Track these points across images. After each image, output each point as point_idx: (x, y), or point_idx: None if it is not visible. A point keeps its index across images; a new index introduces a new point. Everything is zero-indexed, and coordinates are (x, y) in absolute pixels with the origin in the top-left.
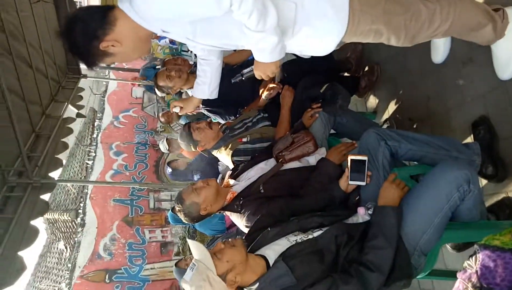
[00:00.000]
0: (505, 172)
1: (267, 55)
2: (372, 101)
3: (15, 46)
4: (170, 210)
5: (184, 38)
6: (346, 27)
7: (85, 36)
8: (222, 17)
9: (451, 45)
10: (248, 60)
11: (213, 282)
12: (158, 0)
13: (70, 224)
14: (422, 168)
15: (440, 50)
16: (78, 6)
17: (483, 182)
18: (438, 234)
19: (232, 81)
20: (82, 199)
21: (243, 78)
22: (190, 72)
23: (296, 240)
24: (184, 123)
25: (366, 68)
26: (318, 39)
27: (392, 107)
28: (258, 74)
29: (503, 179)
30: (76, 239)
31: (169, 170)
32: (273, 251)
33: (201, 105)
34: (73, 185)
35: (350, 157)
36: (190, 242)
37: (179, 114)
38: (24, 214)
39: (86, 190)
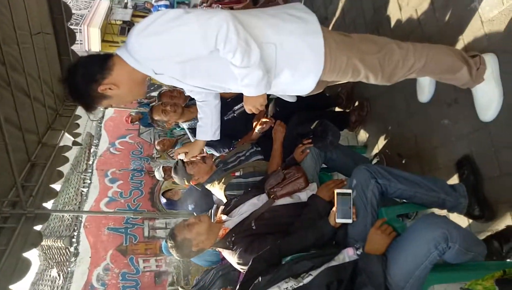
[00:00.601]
0: (491, 213)
1: (253, 89)
2: (363, 135)
3: (14, 77)
4: (164, 242)
5: (173, 80)
6: (323, 65)
7: (85, 80)
8: (209, 57)
9: (436, 86)
10: (240, 93)
11: None
12: (149, 40)
13: (63, 251)
14: (409, 207)
15: (425, 90)
16: (77, 36)
17: (470, 221)
18: (421, 281)
19: (225, 118)
20: (76, 227)
21: (235, 115)
22: (186, 105)
23: (287, 288)
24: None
25: (356, 104)
26: (299, 78)
27: (381, 142)
28: (249, 109)
29: (490, 219)
30: (69, 269)
31: (163, 200)
32: None
33: (191, 135)
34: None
35: (336, 191)
36: None
37: (185, 160)
38: (17, 245)
39: (80, 218)
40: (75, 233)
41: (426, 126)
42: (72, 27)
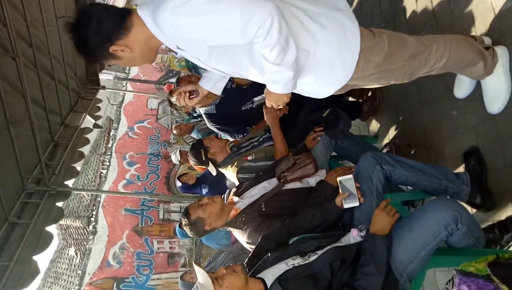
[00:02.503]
0: (492, 202)
1: (280, 87)
2: (374, 125)
3: (40, 59)
4: (178, 226)
5: (196, 59)
6: (350, 77)
7: (98, 36)
8: (241, 46)
9: (452, 79)
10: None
11: None
12: (184, 19)
13: (81, 231)
14: (413, 195)
15: (464, 86)
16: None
17: (473, 211)
18: (424, 264)
19: (243, 108)
20: (94, 207)
21: (254, 106)
22: None
23: (293, 264)
24: (195, 136)
25: (369, 94)
26: (320, 85)
27: (392, 132)
28: (270, 104)
29: (491, 209)
30: (87, 246)
31: (179, 183)
32: (271, 274)
33: (207, 120)
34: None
35: (338, 179)
36: (195, 267)
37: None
38: (40, 220)
39: (99, 199)
40: (94, 213)
41: (436, 116)
42: None
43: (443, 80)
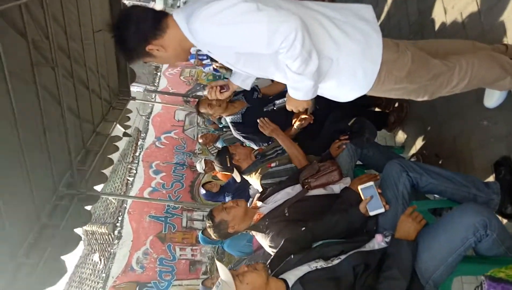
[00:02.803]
0: None
1: (301, 94)
2: (401, 136)
3: (76, 70)
4: (201, 232)
5: (224, 62)
6: (370, 88)
7: (136, 36)
8: (266, 55)
9: (481, 89)
10: (284, 90)
11: None
12: (215, 28)
13: (106, 237)
14: (440, 203)
15: (495, 96)
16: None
17: (504, 221)
18: (450, 270)
19: (264, 109)
20: (120, 213)
21: (275, 108)
22: (230, 101)
23: (316, 267)
24: (220, 146)
25: (396, 105)
26: (342, 91)
27: (419, 143)
28: (290, 108)
29: None
30: (111, 250)
31: (202, 191)
32: (294, 275)
33: (233, 128)
34: (114, 198)
35: (359, 187)
36: (218, 263)
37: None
38: (70, 222)
39: (125, 205)
40: (119, 218)
41: (465, 127)
42: None
43: (472, 90)
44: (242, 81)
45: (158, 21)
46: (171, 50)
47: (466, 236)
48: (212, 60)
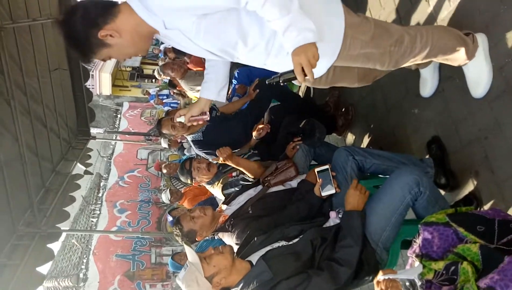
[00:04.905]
0: (455, 181)
1: (301, 36)
2: (350, 137)
3: (33, 107)
4: (171, 258)
5: (184, 39)
6: (339, 51)
7: (85, 22)
8: (228, 14)
9: (407, 79)
10: (241, 109)
11: (200, 282)
12: None
13: None
14: (382, 180)
15: (428, 85)
16: (91, 74)
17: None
18: (396, 230)
19: (267, 82)
20: (85, 256)
21: (281, 82)
22: None
23: (278, 246)
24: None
25: (343, 110)
26: None
27: (366, 140)
28: (299, 66)
29: (455, 187)
30: None
31: (169, 218)
32: (257, 255)
33: (194, 146)
34: (78, 242)
35: (316, 170)
36: (186, 247)
37: (185, 122)
38: (31, 261)
39: (90, 246)
40: (84, 261)
41: (401, 118)
42: None
43: (404, 83)
44: (218, 93)
45: (108, 5)
46: (127, 35)
47: (403, 195)
48: (170, 84)
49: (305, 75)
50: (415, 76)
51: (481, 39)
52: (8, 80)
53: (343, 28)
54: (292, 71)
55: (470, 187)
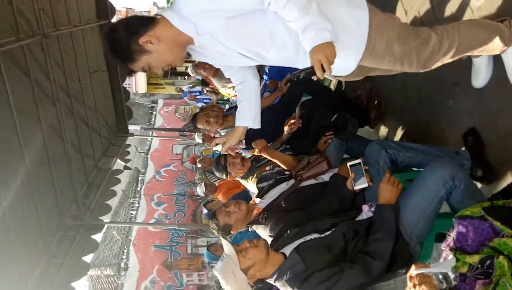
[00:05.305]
0: (492, 174)
1: (319, 36)
2: (383, 130)
3: (76, 108)
4: (206, 249)
5: (216, 44)
6: (365, 45)
7: (126, 31)
8: (256, 16)
9: (438, 70)
10: (273, 104)
11: (237, 274)
12: None
13: (112, 278)
14: (416, 173)
15: (481, 75)
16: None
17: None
18: (429, 224)
19: (289, 77)
20: (125, 246)
21: (301, 76)
22: (223, 115)
23: (311, 239)
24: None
25: (375, 102)
26: (340, 51)
27: (399, 133)
28: (319, 63)
29: (492, 180)
30: (119, 282)
31: (204, 210)
32: (290, 248)
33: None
34: (118, 233)
35: (348, 164)
36: (222, 240)
37: (222, 151)
38: (77, 251)
39: (130, 237)
40: (125, 251)
41: (436, 110)
42: None
43: (437, 74)
44: (253, 120)
45: (148, 18)
46: (165, 42)
47: (438, 189)
48: (203, 83)
49: (324, 71)
50: (450, 65)
51: None
52: (54, 84)
53: (367, 19)
54: (311, 68)
55: (508, 179)
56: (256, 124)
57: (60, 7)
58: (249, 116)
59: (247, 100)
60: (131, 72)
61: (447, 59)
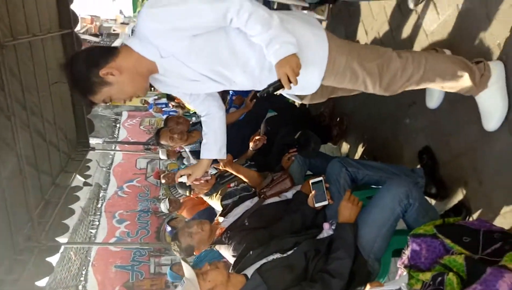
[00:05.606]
0: (445, 191)
1: (283, 49)
2: (345, 147)
3: (33, 122)
4: (169, 268)
5: (180, 66)
6: (327, 60)
7: (87, 62)
8: (219, 34)
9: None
10: (238, 120)
11: None
12: (161, 9)
13: None
14: (375, 191)
15: (435, 96)
16: None
17: (432, 202)
18: (387, 241)
19: (258, 94)
20: (84, 267)
21: (270, 91)
22: (188, 131)
23: (273, 259)
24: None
25: (337, 120)
26: (305, 68)
27: (360, 149)
28: (285, 76)
29: (445, 197)
30: None
31: (168, 228)
32: (253, 269)
33: (192, 157)
34: (76, 254)
35: (310, 181)
36: (183, 263)
37: (187, 183)
38: (30, 275)
39: (89, 258)
40: (83, 272)
41: (394, 128)
42: None
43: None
44: (219, 151)
45: (109, 48)
46: (126, 73)
47: (393, 207)
48: (168, 98)
49: (291, 82)
50: None
51: (496, 68)
52: (9, 96)
53: (326, 37)
54: (279, 81)
55: (459, 196)
56: (221, 155)
57: (19, 15)
58: (214, 148)
59: (212, 132)
60: (91, 104)
61: (414, 86)
